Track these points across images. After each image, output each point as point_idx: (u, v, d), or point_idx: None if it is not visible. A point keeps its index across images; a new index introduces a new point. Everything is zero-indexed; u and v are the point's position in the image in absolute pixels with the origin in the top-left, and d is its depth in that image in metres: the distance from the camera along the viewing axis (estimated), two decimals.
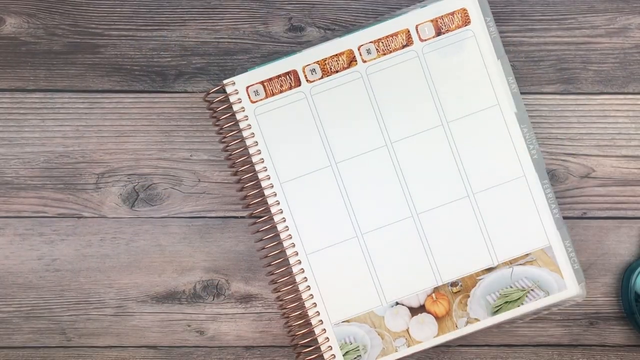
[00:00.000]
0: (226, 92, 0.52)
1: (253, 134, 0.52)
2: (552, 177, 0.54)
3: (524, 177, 0.52)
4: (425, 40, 0.51)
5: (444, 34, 0.51)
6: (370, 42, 0.51)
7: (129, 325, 0.55)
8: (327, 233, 0.52)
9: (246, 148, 0.52)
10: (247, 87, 0.52)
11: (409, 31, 0.51)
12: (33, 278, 0.54)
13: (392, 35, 0.51)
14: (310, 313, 0.52)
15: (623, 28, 0.55)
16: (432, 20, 0.51)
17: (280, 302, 0.53)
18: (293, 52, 0.52)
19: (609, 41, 0.55)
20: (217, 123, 0.52)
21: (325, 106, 0.52)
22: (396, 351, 0.52)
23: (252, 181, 0.52)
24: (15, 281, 0.54)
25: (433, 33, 0.51)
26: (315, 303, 0.52)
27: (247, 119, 0.52)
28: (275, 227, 0.52)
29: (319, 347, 0.52)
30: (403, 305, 0.52)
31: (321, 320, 0.52)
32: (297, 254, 0.52)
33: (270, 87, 0.52)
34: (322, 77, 0.52)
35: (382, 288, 0.52)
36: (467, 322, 0.52)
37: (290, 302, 0.52)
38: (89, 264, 0.54)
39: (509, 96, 0.52)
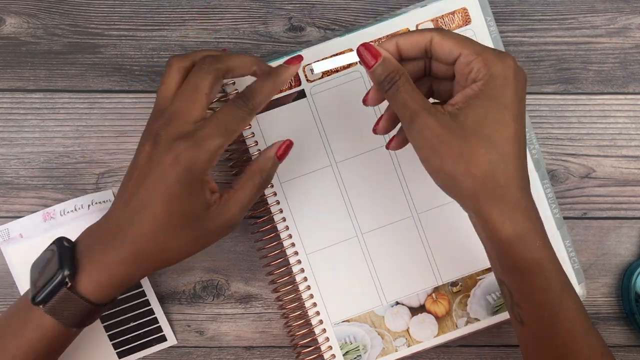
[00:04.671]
0: (226, 92, 0.52)
1: (253, 133, 0.52)
2: (552, 177, 0.54)
3: None
4: None
5: None
6: (371, 42, 0.51)
7: None
8: (327, 233, 0.52)
9: (246, 148, 0.52)
10: None
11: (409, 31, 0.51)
12: None
13: (392, 35, 0.51)
14: (310, 313, 0.52)
15: (623, 28, 0.55)
16: (432, 20, 0.51)
17: (280, 302, 0.53)
18: (293, 52, 0.52)
19: (609, 41, 0.55)
20: None
21: (326, 106, 0.52)
22: (396, 351, 0.52)
23: None
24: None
25: None
26: (315, 303, 0.52)
27: None
28: (276, 227, 0.52)
29: (319, 347, 0.52)
30: (403, 305, 0.52)
31: (321, 320, 0.52)
32: (297, 253, 0.52)
33: None
34: (322, 77, 0.52)
35: (382, 288, 0.52)
36: (467, 322, 0.52)
37: (290, 302, 0.52)
38: None
39: None
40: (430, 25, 0.51)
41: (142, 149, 0.42)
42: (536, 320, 0.42)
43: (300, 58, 0.45)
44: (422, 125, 0.40)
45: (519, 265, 0.40)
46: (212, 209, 0.43)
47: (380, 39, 0.51)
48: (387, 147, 0.46)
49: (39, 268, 0.43)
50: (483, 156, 0.39)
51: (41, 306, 0.42)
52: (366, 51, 0.42)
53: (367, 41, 0.50)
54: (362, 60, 0.43)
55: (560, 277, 0.41)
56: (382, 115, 0.45)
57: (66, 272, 0.41)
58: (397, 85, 0.41)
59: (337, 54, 0.51)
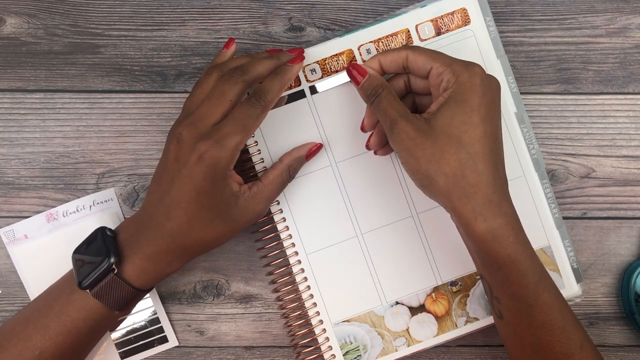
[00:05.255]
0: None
1: (253, 134, 0.52)
2: (552, 177, 0.54)
3: (524, 177, 0.52)
4: (425, 40, 0.51)
5: (443, 33, 0.51)
6: (370, 42, 0.51)
7: None
8: (327, 233, 0.52)
9: (246, 148, 0.52)
10: None
11: (408, 31, 0.51)
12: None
13: (392, 35, 0.51)
14: (310, 313, 0.52)
15: (623, 28, 0.54)
16: (432, 20, 0.51)
17: (280, 302, 0.53)
18: None
19: (609, 41, 0.54)
20: None
21: (325, 106, 0.52)
22: (396, 351, 0.52)
23: (251, 181, 0.52)
24: (18, 280, 0.54)
25: (433, 33, 0.51)
26: (315, 303, 0.52)
27: None
28: (276, 227, 0.52)
29: (319, 347, 0.52)
30: (403, 304, 0.52)
31: (321, 320, 0.52)
32: (297, 253, 0.52)
33: None
34: (322, 77, 0.52)
35: (382, 288, 0.52)
36: (467, 322, 0.52)
37: (290, 302, 0.52)
38: None
39: (509, 96, 0.52)
40: (430, 26, 0.51)
41: (169, 148, 0.45)
42: (513, 314, 0.45)
43: (301, 55, 0.49)
44: (399, 131, 0.44)
45: (494, 260, 0.43)
46: (241, 201, 0.46)
47: (379, 39, 0.51)
48: (375, 153, 0.51)
49: (81, 255, 0.46)
50: (453, 155, 0.42)
51: (88, 290, 0.46)
52: (355, 70, 0.48)
53: (365, 42, 0.51)
54: (352, 78, 0.48)
55: (535, 272, 0.43)
56: (372, 132, 0.50)
57: (113, 260, 0.45)
58: (380, 96, 0.46)
59: (336, 55, 0.51)
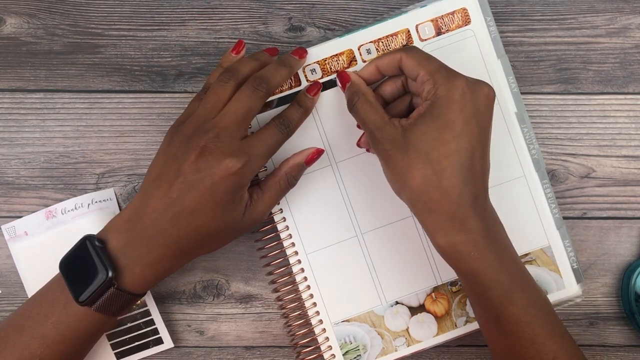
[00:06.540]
0: None
1: (253, 133, 0.52)
2: (552, 177, 0.54)
3: (524, 177, 0.52)
4: (426, 40, 0.51)
5: (444, 33, 0.51)
6: (370, 42, 0.51)
7: None
8: (327, 233, 0.52)
9: None
10: None
11: (409, 31, 0.51)
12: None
13: (392, 35, 0.51)
14: (310, 313, 0.52)
15: (623, 28, 0.54)
16: (432, 20, 0.51)
17: (280, 302, 0.53)
18: None
19: (609, 41, 0.54)
20: None
21: (326, 106, 0.52)
22: (396, 350, 0.52)
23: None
24: (18, 280, 0.54)
25: (433, 33, 0.51)
26: (315, 303, 0.52)
27: None
28: (276, 227, 0.52)
29: (319, 347, 0.52)
30: (403, 304, 0.52)
31: (321, 320, 0.52)
32: (297, 253, 0.52)
33: None
34: (322, 77, 0.52)
35: (382, 287, 0.52)
36: (467, 322, 0.52)
37: (290, 302, 0.53)
38: None
39: (509, 96, 0.52)
40: (430, 26, 0.51)
41: (186, 157, 0.44)
42: (483, 323, 0.46)
43: (318, 85, 0.51)
44: (376, 140, 0.45)
45: (458, 271, 0.44)
46: (245, 210, 0.47)
47: (379, 39, 0.51)
48: (368, 150, 0.51)
49: (73, 269, 0.45)
50: (418, 171, 0.43)
51: (87, 306, 0.45)
52: (340, 78, 0.50)
53: (365, 42, 0.51)
54: (340, 85, 0.50)
55: (500, 285, 0.43)
56: (363, 132, 0.50)
57: (111, 274, 0.44)
58: (357, 106, 0.47)
59: (337, 55, 0.51)
